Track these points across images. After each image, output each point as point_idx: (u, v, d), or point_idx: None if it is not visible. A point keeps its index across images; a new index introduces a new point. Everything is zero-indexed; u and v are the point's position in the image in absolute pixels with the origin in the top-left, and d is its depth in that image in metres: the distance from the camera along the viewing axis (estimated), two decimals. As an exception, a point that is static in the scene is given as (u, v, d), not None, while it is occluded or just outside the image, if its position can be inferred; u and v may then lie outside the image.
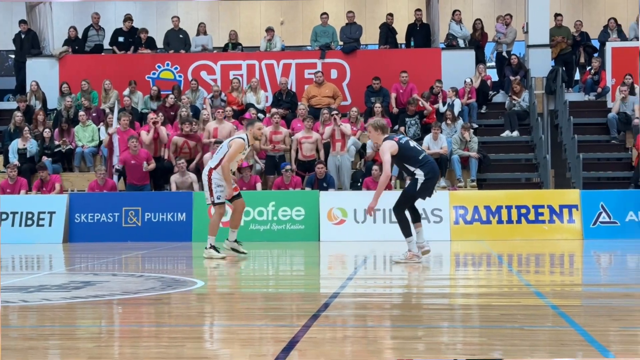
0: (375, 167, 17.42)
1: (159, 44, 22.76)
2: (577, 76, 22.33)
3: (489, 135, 20.24)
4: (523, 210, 16.55)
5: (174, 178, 17.86)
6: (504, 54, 21.99)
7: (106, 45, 22.64)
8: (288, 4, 27.04)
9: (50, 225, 17.04)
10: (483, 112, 21.02)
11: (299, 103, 20.03)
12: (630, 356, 5.12)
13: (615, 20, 22.13)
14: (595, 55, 21.67)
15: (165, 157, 18.57)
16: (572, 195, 16.76)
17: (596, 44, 22.28)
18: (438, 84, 20.14)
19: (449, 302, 8.00)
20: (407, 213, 11.42)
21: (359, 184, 17.87)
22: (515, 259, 12.55)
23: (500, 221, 16.54)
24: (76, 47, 22.26)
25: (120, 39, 22.21)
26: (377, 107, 19.35)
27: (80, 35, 22.50)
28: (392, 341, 5.70)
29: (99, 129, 19.62)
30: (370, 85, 20.43)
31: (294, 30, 26.54)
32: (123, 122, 18.55)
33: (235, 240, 12.54)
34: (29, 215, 17.08)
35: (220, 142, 17.87)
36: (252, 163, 17.98)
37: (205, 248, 12.36)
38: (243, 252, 12.50)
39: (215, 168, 12.21)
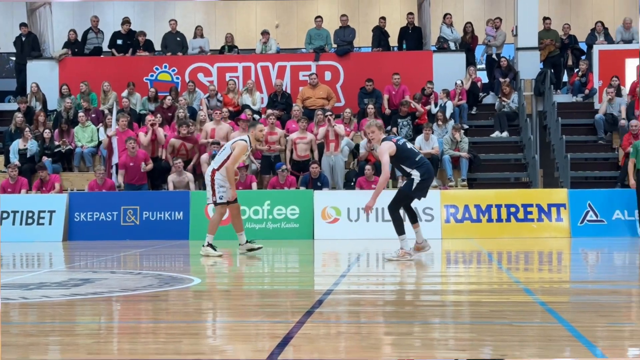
0: (368, 167, 17.44)
1: (157, 46, 22.75)
2: (565, 78, 22.35)
3: (479, 136, 20.26)
4: (512, 209, 16.57)
5: (171, 178, 17.85)
6: (494, 56, 22.01)
7: (105, 48, 22.62)
8: (283, 8, 27.04)
9: (50, 223, 17.01)
10: (473, 113, 21.03)
11: (293, 104, 20.03)
12: (616, 351, 5.13)
13: (602, 23, 22.16)
14: (583, 57, 21.70)
15: (163, 157, 18.56)
16: (560, 195, 16.78)
17: (584, 46, 22.31)
18: (429, 85, 20.16)
19: (441, 299, 8.01)
20: (403, 213, 11.46)
21: (352, 184, 17.88)
22: (504, 256, 12.57)
23: (490, 220, 16.56)
24: (76, 50, 22.24)
25: (119, 41, 22.20)
26: (370, 108, 19.36)
27: (79, 38, 22.48)
28: (385, 337, 5.71)
29: (98, 130, 19.61)
30: (363, 87, 20.44)
31: (288, 33, 26.53)
32: (122, 122, 18.54)
33: (247, 241, 12.56)
34: (30, 214, 17.05)
35: (218, 143, 18.00)
36: (248, 163, 17.97)
37: (203, 246, 12.36)
38: (259, 247, 12.50)
39: (218, 169, 12.22)
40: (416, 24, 22.22)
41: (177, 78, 21.66)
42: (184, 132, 18.39)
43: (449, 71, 20.96)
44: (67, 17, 26.04)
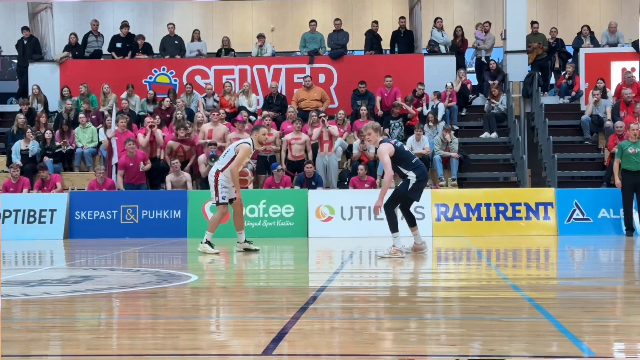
0: (360, 167, 17.44)
1: (155, 49, 22.72)
2: (552, 80, 22.39)
3: (469, 137, 20.27)
4: (501, 208, 16.58)
5: (169, 177, 17.85)
6: (483, 59, 22.03)
7: (105, 51, 22.59)
8: (278, 12, 27.03)
9: (51, 222, 16.98)
10: (463, 115, 21.05)
11: (288, 106, 20.02)
12: (602, 346, 5.14)
13: (589, 27, 22.19)
14: (570, 60, 21.74)
15: (161, 157, 18.55)
16: (548, 194, 16.80)
17: (570, 50, 22.34)
18: (420, 86, 20.18)
19: (431, 295, 8.01)
20: (401, 217, 11.50)
21: (345, 183, 17.88)
22: (493, 254, 12.58)
23: (479, 218, 16.57)
24: (76, 53, 22.21)
25: (118, 44, 22.18)
26: (363, 109, 19.38)
27: (80, 41, 22.45)
28: (378, 332, 5.71)
29: (98, 131, 19.59)
30: (356, 89, 20.44)
31: (283, 36, 26.52)
32: (121, 123, 18.53)
33: (246, 240, 12.56)
34: (31, 213, 17.02)
35: (215, 144, 18.00)
36: (247, 161, 17.96)
37: (201, 242, 12.36)
38: (256, 249, 12.51)
39: (222, 170, 12.25)
40: (408, 27, 22.23)
41: (175, 80, 21.65)
42: (182, 134, 18.39)
43: (439, 74, 20.99)
44: (67, 21, 25.99)
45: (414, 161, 11.31)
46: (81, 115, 19.67)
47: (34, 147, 19.00)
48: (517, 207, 16.55)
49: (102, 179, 17.61)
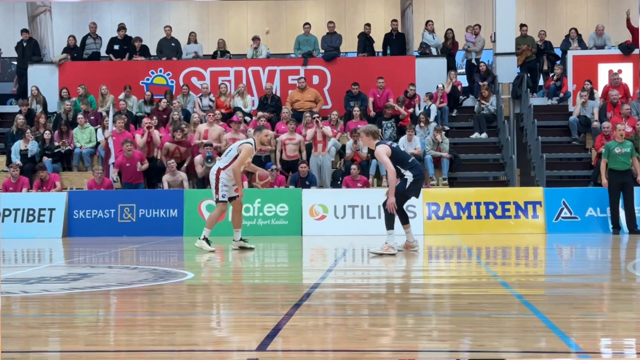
0: (353, 167, 17.45)
1: (152, 51, 22.70)
2: (540, 82, 22.40)
3: (459, 137, 20.28)
4: (491, 207, 16.60)
5: (165, 177, 17.83)
6: (473, 61, 22.05)
7: (103, 53, 22.56)
8: (273, 15, 27.01)
9: (50, 221, 16.96)
10: (454, 116, 21.06)
11: (283, 107, 20.01)
12: (589, 341, 5.15)
13: (576, 30, 22.22)
14: (558, 62, 21.75)
15: (158, 158, 18.54)
16: (536, 193, 16.82)
17: (558, 52, 22.37)
18: (412, 87, 20.20)
19: (422, 292, 8.02)
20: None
21: (339, 182, 17.88)
22: (483, 251, 12.59)
23: (469, 216, 16.58)
24: (75, 55, 22.17)
25: (116, 47, 22.15)
26: (356, 110, 19.38)
27: (78, 44, 22.42)
28: (370, 328, 5.71)
29: (96, 131, 19.56)
30: (349, 90, 20.44)
31: (278, 39, 26.50)
32: (118, 124, 18.52)
33: (241, 239, 12.56)
34: (31, 212, 16.99)
35: (210, 145, 17.99)
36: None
37: (199, 238, 12.36)
38: (251, 248, 12.51)
39: (224, 169, 12.25)
40: (400, 30, 22.23)
41: (172, 82, 21.62)
42: (179, 136, 18.38)
43: (430, 75, 21.00)
44: (66, 24, 25.95)
45: (410, 160, 11.37)
46: (80, 115, 19.64)
47: (33, 147, 18.96)
48: (506, 206, 16.57)
49: (100, 179, 17.59)
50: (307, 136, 18.53)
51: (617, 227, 15.88)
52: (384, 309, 6.66)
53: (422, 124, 19.25)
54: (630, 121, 18.39)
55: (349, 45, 23.58)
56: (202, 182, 17.95)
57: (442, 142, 18.66)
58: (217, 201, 12.39)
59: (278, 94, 20.99)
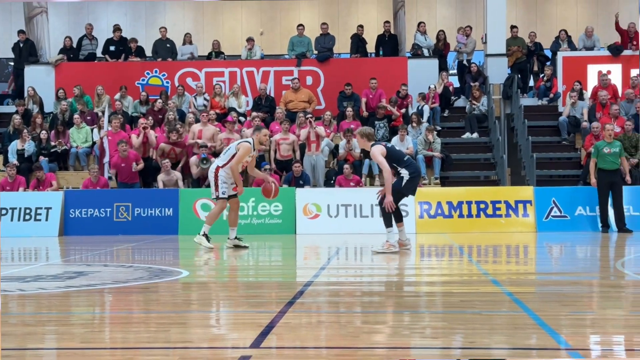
0: (346, 166, 17.46)
1: (148, 52, 22.66)
2: (531, 83, 22.43)
3: (451, 137, 20.30)
4: (482, 206, 16.61)
5: (160, 177, 17.81)
6: (465, 62, 22.06)
7: (99, 54, 22.52)
8: (267, 16, 26.99)
9: (46, 220, 16.93)
10: (446, 116, 21.07)
11: (277, 107, 20.00)
12: (578, 338, 5.15)
13: (566, 31, 22.26)
14: (548, 63, 21.79)
15: (154, 158, 18.52)
16: (527, 192, 16.85)
17: (548, 53, 22.40)
18: (404, 87, 20.21)
19: (415, 290, 8.02)
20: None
21: (332, 182, 17.88)
22: (474, 250, 12.60)
23: (461, 215, 16.60)
24: (71, 55, 22.13)
25: (112, 47, 22.11)
26: (349, 111, 19.38)
27: (74, 45, 22.38)
28: (363, 326, 5.71)
29: (92, 131, 19.53)
30: (342, 90, 20.44)
31: (272, 40, 26.48)
32: (114, 124, 18.50)
33: (236, 237, 12.56)
34: (27, 211, 16.95)
35: (206, 146, 17.98)
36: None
37: (199, 234, 12.36)
38: (245, 246, 12.51)
39: (222, 167, 12.28)
40: (392, 31, 22.24)
41: (167, 82, 21.59)
42: (174, 137, 18.36)
43: (422, 76, 21.01)
44: (63, 25, 25.88)
45: (405, 159, 11.46)
46: (76, 116, 19.61)
47: (29, 147, 18.92)
48: (497, 205, 16.59)
49: (96, 178, 17.57)
50: (300, 136, 18.53)
51: (606, 226, 15.91)
52: (376, 307, 6.66)
53: (414, 124, 19.26)
54: (619, 121, 18.43)
55: (342, 46, 23.58)
56: (197, 182, 17.95)
57: (433, 142, 18.67)
58: (217, 198, 12.41)
59: (272, 95, 20.99)
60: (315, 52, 21.86)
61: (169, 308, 6.64)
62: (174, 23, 26.03)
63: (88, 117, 19.95)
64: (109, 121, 18.70)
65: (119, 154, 17.75)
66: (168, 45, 22.26)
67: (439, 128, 20.01)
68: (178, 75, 21.60)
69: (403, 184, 11.32)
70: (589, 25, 22.48)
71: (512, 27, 22.10)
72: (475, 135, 20.15)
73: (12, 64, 23.80)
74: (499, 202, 16.61)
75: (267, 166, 17.59)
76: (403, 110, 19.98)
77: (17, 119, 19.69)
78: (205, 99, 20.54)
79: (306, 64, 21.55)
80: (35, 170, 17.93)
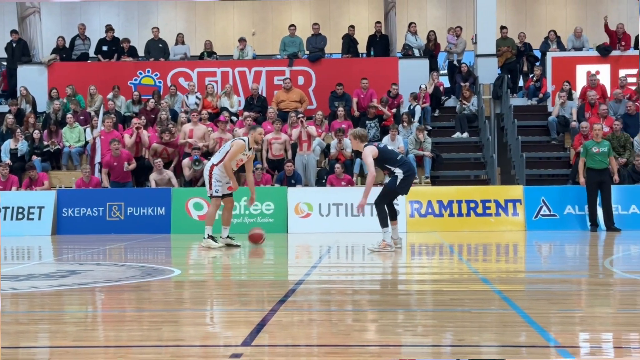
0: (337, 166, 17.46)
1: (140, 52, 22.62)
2: (520, 83, 22.46)
3: (441, 137, 20.32)
4: (472, 205, 16.64)
5: (152, 176, 17.78)
6: (455, 62, 22.08)
7: (92, 54, 22.47)
8: (259, 17, 26.97)
9: (39, 219, 16.88)
10: (436, 115, 21.09)
11: (268, 107, 19.98)
12: (567, 336, 5.17)
13: (555, 32, 22.30)
14: (537, 64, 21.82)
15: (146, 157, 18.49)
16: (516, 191, 16.87)
17: (538, 54, 22.43)
18: (394, 86, 20.23)
19: (405, 288, 8.03)
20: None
21: (323, 181, 17.88)
22: (464, 248, 12.62)
23: (451, 214, 16.62)
24: (64, 55, 22.07)
25: (105, 47, 22.06)
26: (340, 110, 19.39)
27: (67, 45, 22.32)
28: (354, 324, 5.71)
29: (85, 130, 19.49)
30: (334, 90, 20.44)
31: (264, 40, 26.46)
32: (107, 123, 18.47)
33: (228, 236, 12.55)
34: (20, 210, 16.91)
35: (198, 149, 17.96)
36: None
37: (204, 238, 12.34)
38: (237, 245, 12.50)
39: (217, 164, 12.27)
40: (383, 32, 22.25)
41: (160, 82, 21.55)
42: (166, 138, 18.33)
43: (413, 76, 21.02)
44: (55, 25, 25.81)
45: (399, 158, 11.49)
46: (69, 115, 19.57)
47: (22, 146, 18.88)
48: (487, 204, 16.62)
49: (88, 177, 17.53)
50: (292, 136, 18.52)
51: (594, 225, 15.94)
52: (367, 305, 6.67)
53: (405, 124, 19.28)
54: (608, 121, 18.48)
55: (334, 47, 23.58)
56: (189, 184, 17.93)
57: (424, 141, 18.69)
58: (211, 196, 12.40)
59: (264, 94, 20.97)
60: (307, 52, 21.85)
61: (161, 306, 6.64)
62: (166, 23, 25.99)
63: (81, 117, 19.91)
64: (102, 121, 18.66)
65: (112, 153, 17.71)
66: (160, 45, 22.22)
67: (429, 128, 20.03)
68: (170, 75, 21.57)
69: (397, 183, 11.33)
70: (577, 26, 22.52)
71: (502, 27, 22.13)
72: (465, 134, 20.18)
73: (4, 63, 23.72)
74: (489, 201, 16.64)
75: (259, 165, 17.58)
76: (394, 110, 19.99)
77: (9, 118, 19.63)
78: (197, 97, 20.53)
79: (298, 64, 21.54)
80: (28, 169, 17.88)
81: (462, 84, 20.76)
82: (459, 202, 16.65)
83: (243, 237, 13.77)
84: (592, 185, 15.90)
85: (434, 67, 21.96)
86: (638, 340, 5.11)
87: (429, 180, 18.51)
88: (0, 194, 17.17)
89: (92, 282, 7.99)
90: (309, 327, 5.57)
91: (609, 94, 20.21)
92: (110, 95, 20.43)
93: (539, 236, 14.97)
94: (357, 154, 17.22)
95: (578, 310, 6.31)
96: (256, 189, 16.80)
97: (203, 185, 16.23)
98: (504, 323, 5.57)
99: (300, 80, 21.34)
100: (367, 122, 19.30)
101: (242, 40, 22.23)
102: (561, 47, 21.89)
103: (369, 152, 11.27)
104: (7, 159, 18.56)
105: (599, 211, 16.01)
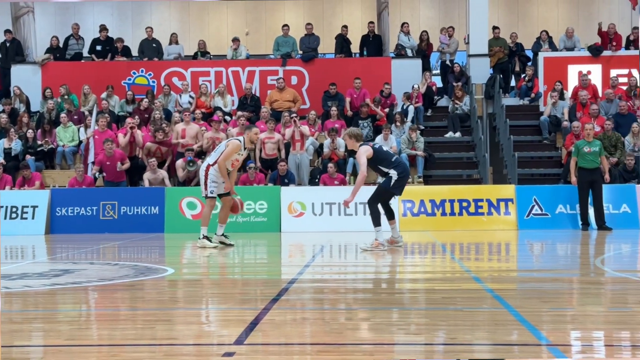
0: (330, 165, 17.46)
1: (134, 52, 22.59)
2: (512, 83, 22.48)
3: (434, 136, 20.33)
4: (464, 204, 16.65)
5: (146, 175, 17.75)
6: (448, 62, 22.10)
7: (85, 53, 22.42)
8: (253, 16, 26.95)
9: (33, 218, 16.84)
10: (429, 115, 21.10)
11: (262, 106, 19.97)
12: (558, 334, 5.18)
13: (547, 32, 22.33)
14: (529, 64, 21.85)
15: (140, 156, 18.46)
16: (508, 190, 16.89)
17: (530, 54, 22.46)
18: (387, 86, 20.24)
19: (398, 287, 8.04)
20: (380, 208, 11.56)
21: (316, 180, 17.88)
22: (457, 247, 12.64)
23: (444, 213, 16.63)
24: (57, 55, 22.02)
25: (98, 47, 22.02)
26: (333, 110, 19.38)
27: (61, 44, 22.27)
28: (347, 322, 5.71)
29: (78, 130, 19.45)
30: (327, 90, 20.43)
31: (258, 40, 26.45)
32: (101, 123, 18.43)
33: (223, 234, 12.53)
34: (14, 209, 16.86)
35: (192, 150, 17.93)
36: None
37: (199, 238, 12.30)
38: (230, 244, 12.48)
39: (213, 165, 12.23)
40: (376, 32, 22.26)
41: (153, 82, 21.52)
42: (160, 137, 18.30)
43: (406, 76, 21.02)
44: (49, 24, 25.75)
45: (393, 159, 11.49)
46: (62, 114, 19.53)
47: (16, 146, 18.83)
48: (479, 203, 16.63)
49: (82, 177, 17.49)
50: (285, 135, 18.51)
51: (586, 224, 15.97)
52: (360, 304, 6.67)
53: (397, 124, 19.29)
54: (599, 121, 18.52)
55: (327, 47, 23.58)
56: (182, 185, 17.89)
57: (417, 140, 18.70)
58: (206, 197, 12.35)
59: (257, 94, 20.96)
60: (300, 52, 21.84)
61: (154, 305, 6.63)
62: (160, 23, 25.96)
63: (75, 117, 19.87)
64: (96, 120, 18.62)
65: (105, 152, 17.67)
66: (154, 45, 22.19)
67: (422, 127, 20.04)
68: (164, 74, 21.54)
69: (392, 183, 11.34)
70: (569, 26, 22.56)
71: (494, 28, 22.16)
72: (457, 134, 20.19)
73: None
74: (481, 200, 16.65)
75: (252, 165, 17.57)
76: (387, 110, 19.99)
77: (3, 117, 19.58)
78: (190, 96, 20.51)
79: (291, 63, 21.53)
80: (22, 168, 17.83)
81: (455, 83, 20.78)
82: (452, 201, 16.67)
83: (236, 237, 13.76)
84: (584, 185, 15.93)
85: (426, 67, 21.97)
86: (629, 338, 5.12)
87: (421, 179, 18.52)
88: (-6, 193, 17.13)
89: (86, 281, 7.97)
90: (301, 326, 5.57)
91: (600, 94, 20.25)
92: (104, 95, 20.40)
93: (531, 235, 14.99)
94: (350, 153, 17.22)
95: (569, 309, 6.32)
96: (249, 188, 16.92)
97: (197, 185, 16.21)
98: (495, 322, 5.57)
99: (294, 80, 21.33)
100: (360, 121, 19.30)
101: (235, 40, 22.21)
102: (553, 47, 21.92)
103: (364, 152, 11.28)
104: (0, 159, 18.50)
105: (590, 210, 16.03)
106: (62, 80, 20.85)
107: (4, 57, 22.09)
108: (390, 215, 11.60)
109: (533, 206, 16.53)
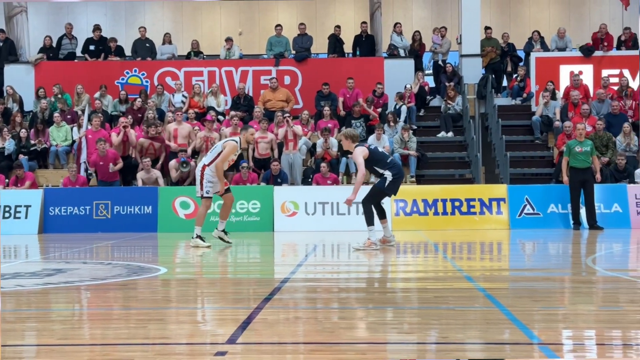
0: (323, 165, 17.46)
1: (127, 52, 22.55)
2: (504, 83, 22.52)
3: (426, 136, 20.34)
4: (457, 203, 16.67)
5: (140, 175, 17.72)
6: (440, 62, 22.12)
7: (78, 53, 22.38)
8: (246, 16, 26.94)
9: (26, 217, 16.80)
10: (421, 115, 21.12)
11: (255, 106, 19.96)
12: (549, 333, 5.18)
13: (539, 33, 22.37)
14: (521, 64, 21.89)
15: (133, 156, 18.42)
16: (500, 190, 16.92)
17: (522, 54, 22.50)
18: (379, 85, 20.25)
19: (391, 286, 8.04)
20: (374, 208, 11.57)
21: (309, 180, 17.88)
22: (449, 247, 12.65)
23: (436, 213, 16.64)
24: (51, 55, 21.97)
25: (92, 47, 21.98)
26: (326, 110, 19.39)
27: (54, 44, 22.22)
28: (340, 321, 5.71)
29: (72, 129, 19.41)
30: (320, 90, 20.43)
31: (251, 40, 26.43)
32: (94, 122, 18.40)
33: (223, 230, 12.52)
34: (7, 209, 16.81)
35: (185, 151, 17.91)
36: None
37: (192, 237, 12.28)
38: (228, 242, 12.47)
39: (208, 165, 12.20)
40: (369, 32, 22.27)
41: (147, 81, 21.49)
42: (153, 132, 18.27)
43: (399, 76, 21.03)
44: (42, 24, 25.70)
45: (388, 160, 11.52)
46: (56, 114, 19.48)
47: (9, 145, 18.78)
48: (471, 203, 16.65)
49: (75, 176, 17.46)
50: (278, 135, 18.51)
51: (577, 223, 16.00)
52: (352, 303, 6.67)
53: (390, 123, 19.30)
54: (590, 121, 18.56)
55: (320, 47, 23.58)
56: (176, 183, 17.87)
57: (409, 140, 18.71)
58: (202, 197, 12.33)
59: (250, 94, 20.95)
60: (293, 52, 21.84)
61: (147, 305, 6.62)
62: (153, 23, 25.92)
63: (68, 116, 19.83)
64: (89, 120, 18.59)
65: (98, 152, 17.63)
66: (147, 44, 22.16)
67: (414, 127, 20.05)
68: (157, 74, 21.51)
69: (386, 184, 11.36)
70: (561, 27, 22.60)
71: (487, 28, 22.18)
72: (450, 134, 20.21)
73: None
74: (474, 199, 16.67)
75: (245, 164, 17.56)
76: (379, 110, 20.00)
77: (-4, 117, 19.54)
78: (183, 95, 20.49)
79: (284, 63, 21.52)
80: (16, 168, 17.79)
81: (447, 83, 20.80)
82: (444, 200, 16.68)
83: (229, 235, 13.74)
84: (575, 184, 15.96)
85: (419, 67, 21.99)
86: (620, 337, 5.13)
87: (414, 179, 18.54)
88: (-13, 192, 17.09)
89: (79, 280, 7.96)
90: (294, 325, 5.57)
91: (591, 94, 20.29)
92: (97, 95, 20.37)
93: (523, 234, 15.01)
94: (343, 153, 17.23)
95: (561, 308, 6.33)
96: (242, 188, 16.91)
97: (190, 184, 16.19)
98: (487, 320, 5.58)
99: (287, 79, 21.33)
100: (352, 121, 19.30)
101: (228, 40, 22.19)
102: (545, 47, 21.96)
103: (360, 153, 11.31)
104: (-6, 158, 18.46)
105: (582, 210, 16.07)
106: (55, 80, 20.81)
107: (-3, 56, 22.03)
108: (382, 214, 11.61)
109: (525, 206, 16.56)
